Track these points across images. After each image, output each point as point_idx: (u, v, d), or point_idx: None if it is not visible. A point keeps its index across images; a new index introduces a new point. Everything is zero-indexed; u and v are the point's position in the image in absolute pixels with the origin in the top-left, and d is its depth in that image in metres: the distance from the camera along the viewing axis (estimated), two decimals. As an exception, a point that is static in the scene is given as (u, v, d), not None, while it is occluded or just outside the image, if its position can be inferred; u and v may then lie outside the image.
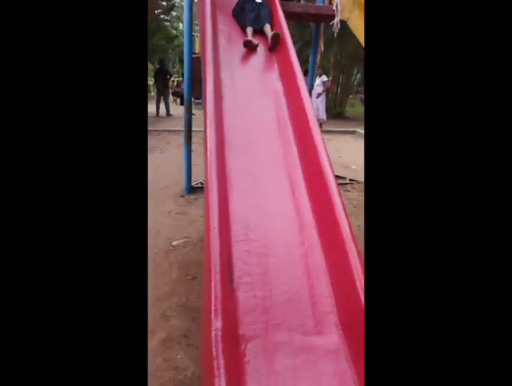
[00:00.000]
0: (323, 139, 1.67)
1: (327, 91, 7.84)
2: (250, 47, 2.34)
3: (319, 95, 7.18)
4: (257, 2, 2.55)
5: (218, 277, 1.09)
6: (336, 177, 1.51)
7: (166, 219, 3.03)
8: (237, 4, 2.57)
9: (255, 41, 2.36)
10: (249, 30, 2.41)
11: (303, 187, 1.62)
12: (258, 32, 2.46)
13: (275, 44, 2.34)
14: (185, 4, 3.10)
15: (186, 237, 2.71)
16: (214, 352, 0.93)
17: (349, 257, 1.23)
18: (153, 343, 1.66)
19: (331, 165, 1.54)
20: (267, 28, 2.45)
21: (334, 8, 2.89)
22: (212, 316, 1.00)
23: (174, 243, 2.62)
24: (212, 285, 1.06)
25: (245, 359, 1.07)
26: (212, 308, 1.01)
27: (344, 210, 1.39)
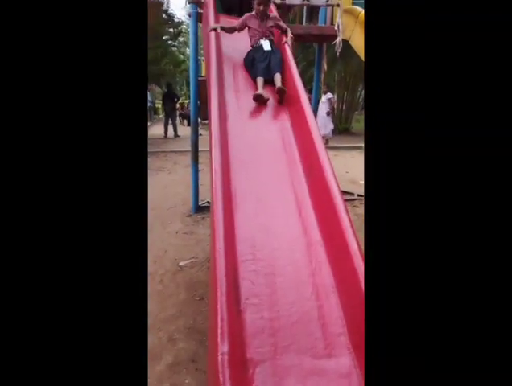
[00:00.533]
0: (328, 156, 1.67)
1: (332, 109, 7.93)
2: (261, 101, 2.15)
3: (328, 113, 7.27)
4: (267, 50, 2.37)
5: (224, 298, 1.07)
6: (344, 193, 1.49)
7: (173, 240, 3.03)
8: (247, 54, 2.43)
9: (266, 94, 2.15)
10: (260, 81, 2.21)
11: (310, 205, 1.60)
12: (270, 82, 2.26)
13: (281, 98, 2.16)
14: (191, 30, 3.22)
15: (193, 257, 2.70)
16: (221, 378, 0.90)
17: (358, 275, 1.20)
18: (160, 368, 1.63)
19: (337, 182, 1.53)
20: (277, 78, 2.23)
21: (336, 28, 2.96)
22: (219, 340, 0.97)
23: (181, 263, 2.60)
24: (219, 307, 1.04)
25: (254, 385, 1.03)
26: (219, 331, 0.98)
27: (352, 226, 1.36)
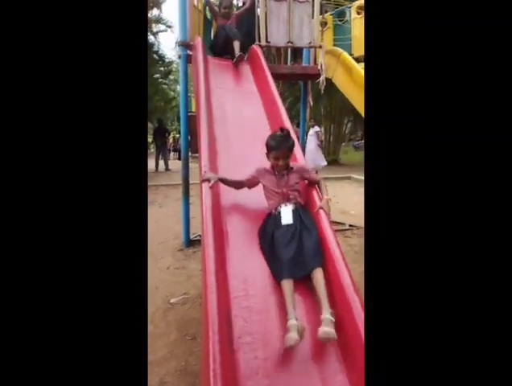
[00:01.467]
0: (317, 189, 1.71)
1: (320, 141, 8.17)
2: None
3: (317, 147, 7.48)
4: (289, 225, 1.50)
5: (217, 337, 1.04)
6: (335, 223, 1.50)
7: (164, 275, 2.96)
8: (262, 228, 1.59)
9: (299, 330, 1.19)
10: (287, 286, 1.32)
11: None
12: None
13: None
14: (181, 70, 3.36)
15: (185, 294, 2.62)
16: (214, 425, 0.85)
17: (353, 309, 1.19)
18: (149, 416, 1.52)
19: (327, 214, 1.55)
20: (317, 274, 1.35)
21: (319, 68, 3.13)
22: (211, 382, 0.93)
23: (172, 300, 2.53)
24: (211, 347, 1.00)
25: (249, 432, 0.98)
26: (211, 374, 0.94)
27: (344, 259, 1.37)
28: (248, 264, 1.48)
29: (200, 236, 3.79)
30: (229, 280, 1.39)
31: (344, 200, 5.40)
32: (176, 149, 12.90)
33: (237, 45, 2.92)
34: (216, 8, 3.40)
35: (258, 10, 3.16)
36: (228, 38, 3.05)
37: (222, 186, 1.77)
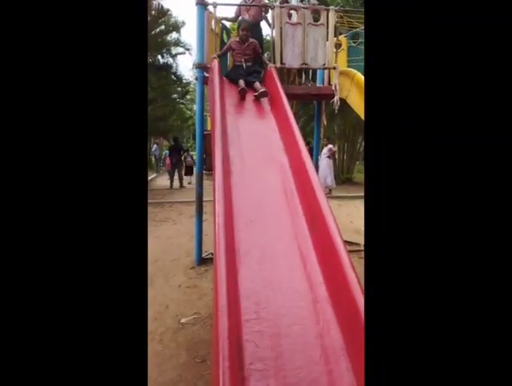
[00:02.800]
0: (330, 208, 1.68)
1: (333, 157, 8.16)
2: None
3: (329, 160, 7.47)
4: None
5: (227, 363, 1.00)
6: (350, 243, 1.47)
7: (175, 294, 2.93)
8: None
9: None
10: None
11: (315, 260, 1.57)
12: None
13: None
14: (197, 92, 3.45)
15: (196, 313, 2.58)
16: None
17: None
18: None
19: (341, 235, 1.52)
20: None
21: (333, 88, 3.15)
22: (221, 412, 0.89)
23: (183, 320, 2.49)
24: (221, 374, 0.97)
25: None
26: (220, 402, 0.91)
27: (359, 282, 1.32)
28: (260, 285, 1.45)
29: (211, 254, 3.78)
30: (240, 301, 1.36)
31: (359, 220, 5.30)
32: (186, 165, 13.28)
33: (257, 85, 2.90)
34: (233, 43, 3.22)
35: (273, 31, 3.24)
36: (246, 78, 3.00)
37: (236, 205, 1.77)
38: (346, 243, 1.52)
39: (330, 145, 7.91)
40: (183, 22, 10.81)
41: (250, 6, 3.55)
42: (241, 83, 2.85)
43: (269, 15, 3.50)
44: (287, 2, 3.90)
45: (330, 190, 7.52)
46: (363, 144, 12.48)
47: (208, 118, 7.39)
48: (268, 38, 3.84)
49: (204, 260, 3.67)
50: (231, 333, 1.10)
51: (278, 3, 3.58)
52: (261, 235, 1.70)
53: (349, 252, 1.49)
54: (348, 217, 5.52)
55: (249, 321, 1.29)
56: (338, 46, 3.59)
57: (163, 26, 9.74)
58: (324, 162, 7.47)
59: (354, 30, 4.42)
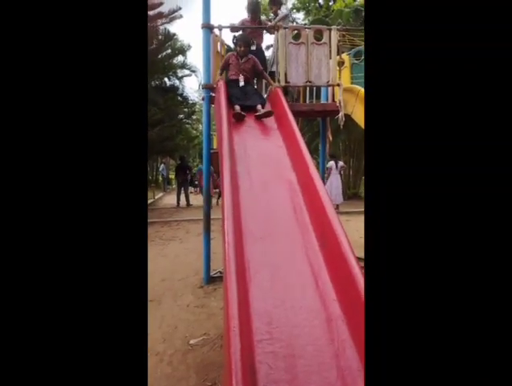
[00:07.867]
0: (341, 223, 1.66)
1: (340, 174, 8.16)
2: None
3: (338, 183, 7.51)
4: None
5: (240, 387, 0.97)
6: (360, 259, 1.44)
7: (184, 314, 2.89)
8: None
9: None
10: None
11: (327, 276, 1.54)
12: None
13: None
14: (204, 111, 3.51)
15: (205, 334, 2.53)
16: None
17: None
18: None
19: (353, 251, 1.49)
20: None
21: (338, 105, 3.18)
22: None
23: (192, 341, 2.43)
24: (234, 397, 0.93)
25: None
26: (235, 429, 0.87)
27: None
28: (271, 304, 1.42)
29: (220, 272, 3.73)
30: (252, 321, 1.32)
31: (368, 235, 5.21)
32: (193, 184, 13.46)
33: (259, 107, 2.83)
34: (231, 57, 3.18)
35: (278, 51, 3.31)
36: (244, 103, 2.89)
37: (245, 222, 1.76)
38: (357, 259, 1.49)
39: (332, 162, 7.92)
40: (189, 46, 11.17)
41: (256, 28, 3.64)
42: (237, 108, 2.76)
43: (272, 37, 3.58)
44: (280, 4, 3.97)
45: (337, 205, 7.48)
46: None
47: (214, 137, 7.50)
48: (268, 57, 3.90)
49: (212, 279, 3.62)
50: (243, 354, 1.07)
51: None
52: (271, 252, 1.68)
53: (361, 268, 1.46)
54: (358, 232, 5.44)
55: (262, 341, 1.26)
56: (341, 63, 3.66)
57: (169, 50, 10.05)
58: (336, 179, 7.51)
59: (356, 48, 4.52)
